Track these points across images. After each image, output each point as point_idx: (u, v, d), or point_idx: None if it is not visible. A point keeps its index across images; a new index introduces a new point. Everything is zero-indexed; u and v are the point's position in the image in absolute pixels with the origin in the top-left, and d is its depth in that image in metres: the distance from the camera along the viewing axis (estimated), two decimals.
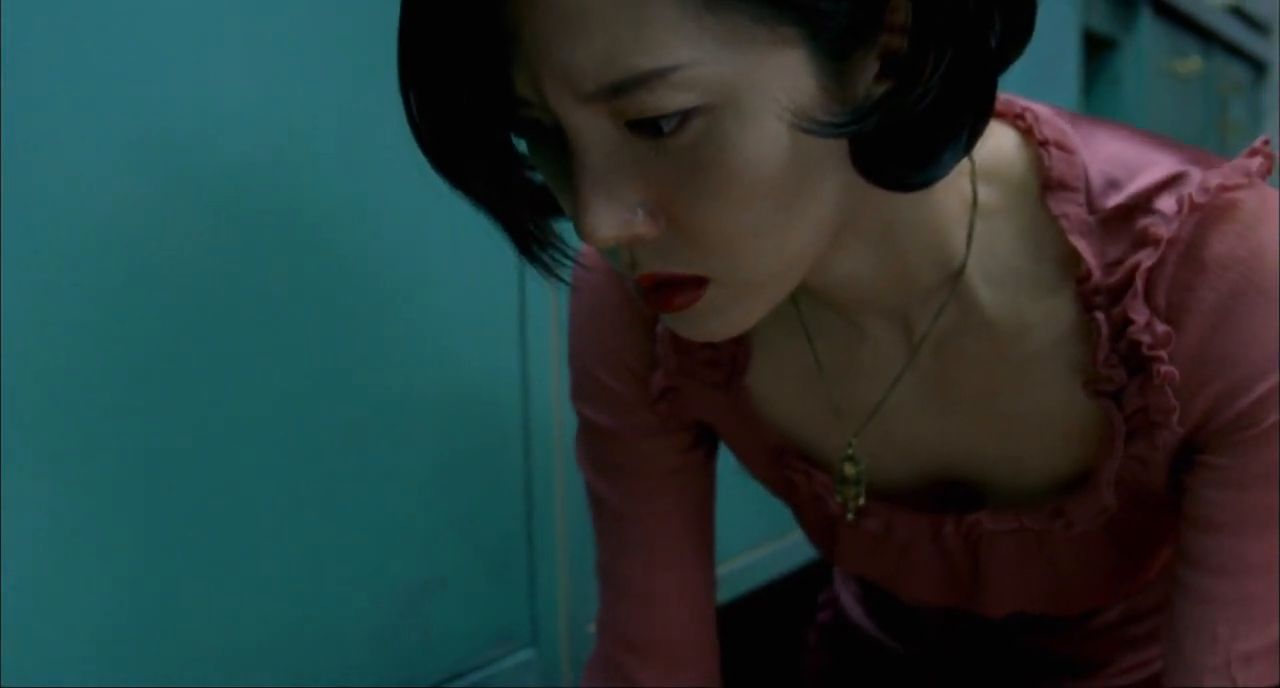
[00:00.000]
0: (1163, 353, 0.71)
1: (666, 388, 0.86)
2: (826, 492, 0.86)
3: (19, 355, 0.76)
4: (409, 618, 1.06)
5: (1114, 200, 0.71)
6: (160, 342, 0.85)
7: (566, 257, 0.68)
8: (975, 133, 0.63)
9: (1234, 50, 3.53)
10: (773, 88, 0.59)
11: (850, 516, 0.85)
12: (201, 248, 0.87)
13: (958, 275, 0.73)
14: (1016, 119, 0.75)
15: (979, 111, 0.63)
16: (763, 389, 0.85)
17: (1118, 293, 0.71)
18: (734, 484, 1.53)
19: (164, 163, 0.84)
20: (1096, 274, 0.71)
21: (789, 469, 0.88)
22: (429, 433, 1.07)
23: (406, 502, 1.05)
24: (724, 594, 1.52)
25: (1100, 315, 0.72)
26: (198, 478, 0.89)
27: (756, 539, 1.61)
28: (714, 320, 0.66)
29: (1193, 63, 3.02)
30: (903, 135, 0.62)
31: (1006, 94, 0.74)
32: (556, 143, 0.64)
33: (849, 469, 0.84)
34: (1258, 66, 3.94)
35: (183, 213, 0.86)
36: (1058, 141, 0.73)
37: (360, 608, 1.02)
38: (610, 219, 0.61)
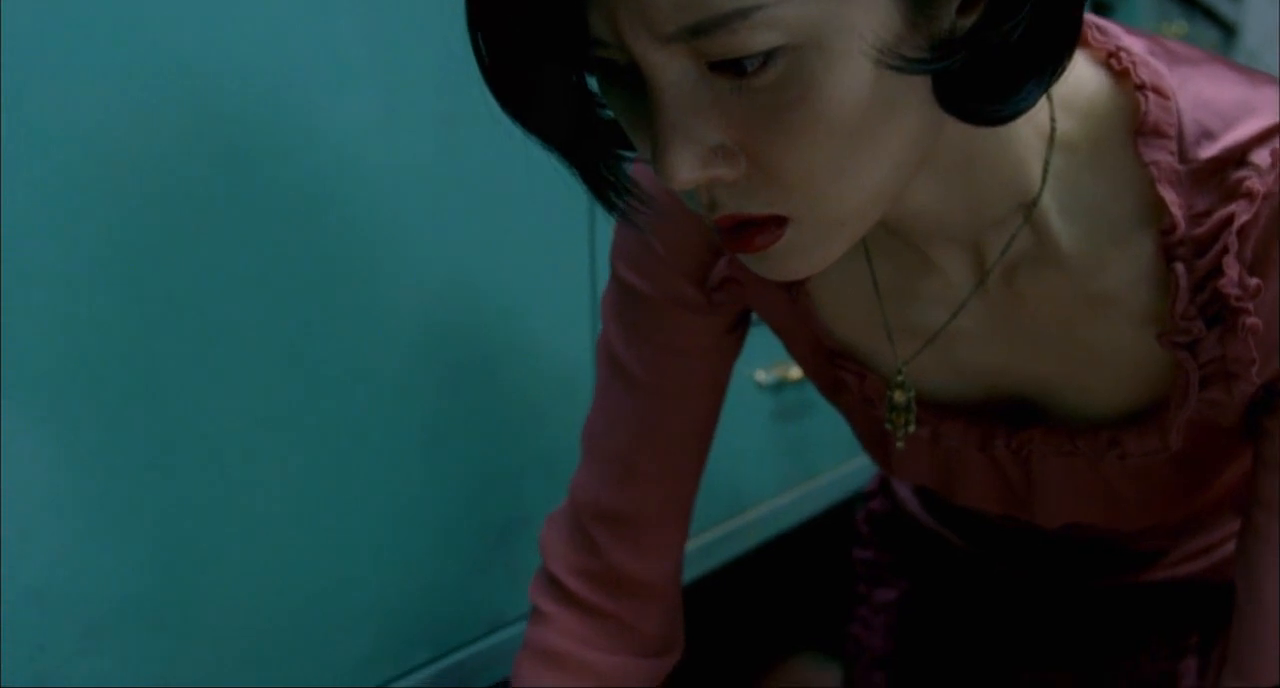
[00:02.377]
0: (1250, 305, 0.69)
1: (728, 279, 0.84)
2: (878, 396, 0.86)
3: (23, 321, 0.75)
4: (497, 555, 1.08)
5: (1207, 152, 0.69)
6: (226, 293, 0.85)
7: (641, 200, 0.67)
8: (1060, 65, 0.62)
9: (1209, 14, 3.57)
10: (857, 25, 0.57)
11: (900, 443, 0.85)
12: (246, 190, 0.86)
13: (1032, 206, 0.72)
14: (1110, 58, 0.72)
15: (1064, 44, 0.61)
16: (823, 296, 0.84)
17: (1203, 245, 0.70)
18: (761, 430, 1.53)
19: (190, 125, 0.83)
20: (1182, 226, 0.70)
21: (842, 371, 0.87)
22: (513, 378, 1.10)
23: (494, 444, 1.08)
24: (753, 539, 1.52)
25: (1181, 267, 0.70)
26: (295, 421, 0.90)
27: (784, 485, 1.61)
28: (793, 260, 0.65)
29: (1179, 27, 3.08)
30: (987, 69, 0.61)
31: (1092, 18, 0.73)
32: (632, 82, 0.62)
33: (899, 396, 0.83)
34: (1228, 30, 3.95)
35: (232, 164, 0.85)
36: (1154, 85, 0.70)
37: (451, 546, 1.05)
38: (690, 161, 0.60)
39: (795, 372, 1.54)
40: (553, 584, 0.94)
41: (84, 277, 0.76)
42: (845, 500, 1.85)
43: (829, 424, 1.70)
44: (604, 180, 0.66)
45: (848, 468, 1.78)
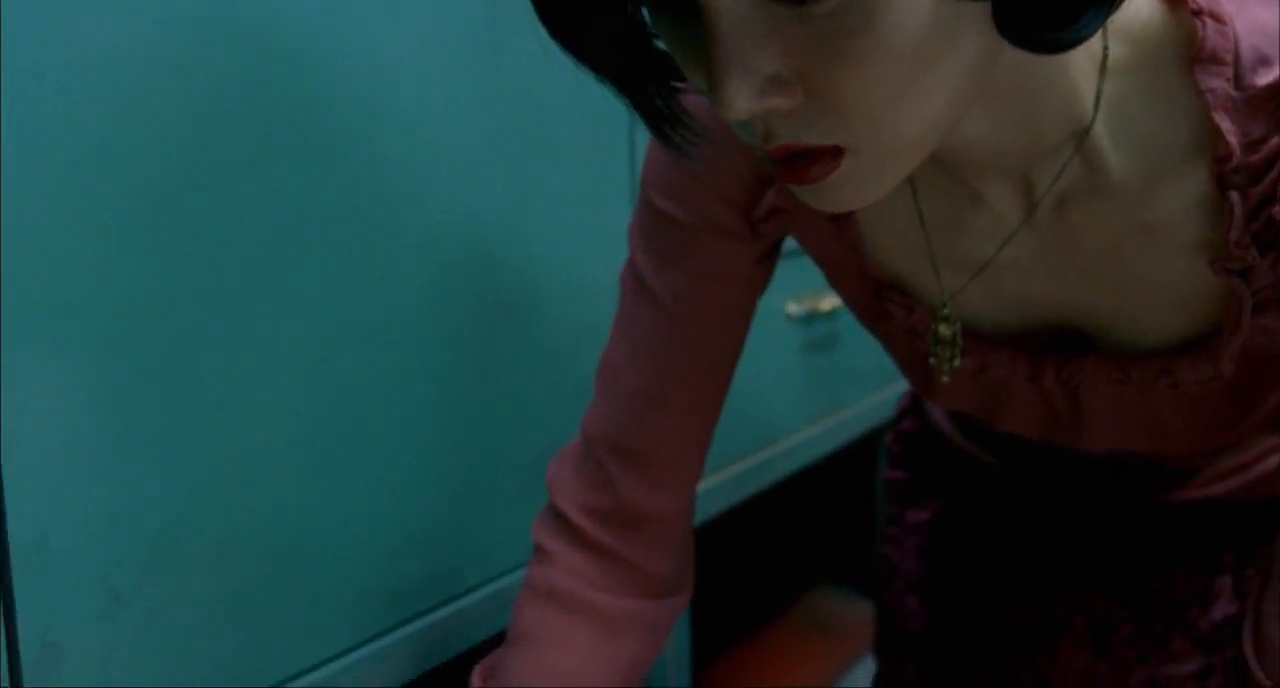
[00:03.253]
0: None
1: (776, 209, 0.83)
2: (923, 329, 0.85)
3: (59, 256, 0.74)
4: (532, 492, 1.07)
5: (1264, 78, 0.68)
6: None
7: (695, 132, 0.66)
8: None
9: None
10: None
11: (945, 378, 0.84)
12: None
13: (1084, 134, 0.71)
14: None
15: None
16: (870, 228, 0.83)
17: (1258, 172, 0.69)
18: (791, 362, 1.53)
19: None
20: (1237, 154, 0.69)
21: (888, 303, 0.86)
22: (562, 308, 1.11)
23: (545, 371, 1.09)
24: (780, 471, 1.52)
25: (1236, 195, 0.70)
26: (365, 346, 0.91)
27: (811, 417, 1.62)
28: (848, 190, 0.64)
29: None
30: None
31: None
32: (685, 11, 0.61)
33: (944, 329, 0.82)
34: None
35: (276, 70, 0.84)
36: (1211, 11, 0.69)
37: (500, 472, 1.06)
38: (746, 91, 0.59)
39: (826, 303, 1.54)
40: (560, 522, 0.91)
41: (118, 207, 0.76)
42: (871, 433, 1.85)
43: (856, 357, 1.70)
44: (658, 112, 0.65)
45: (874, 401, 1.78)
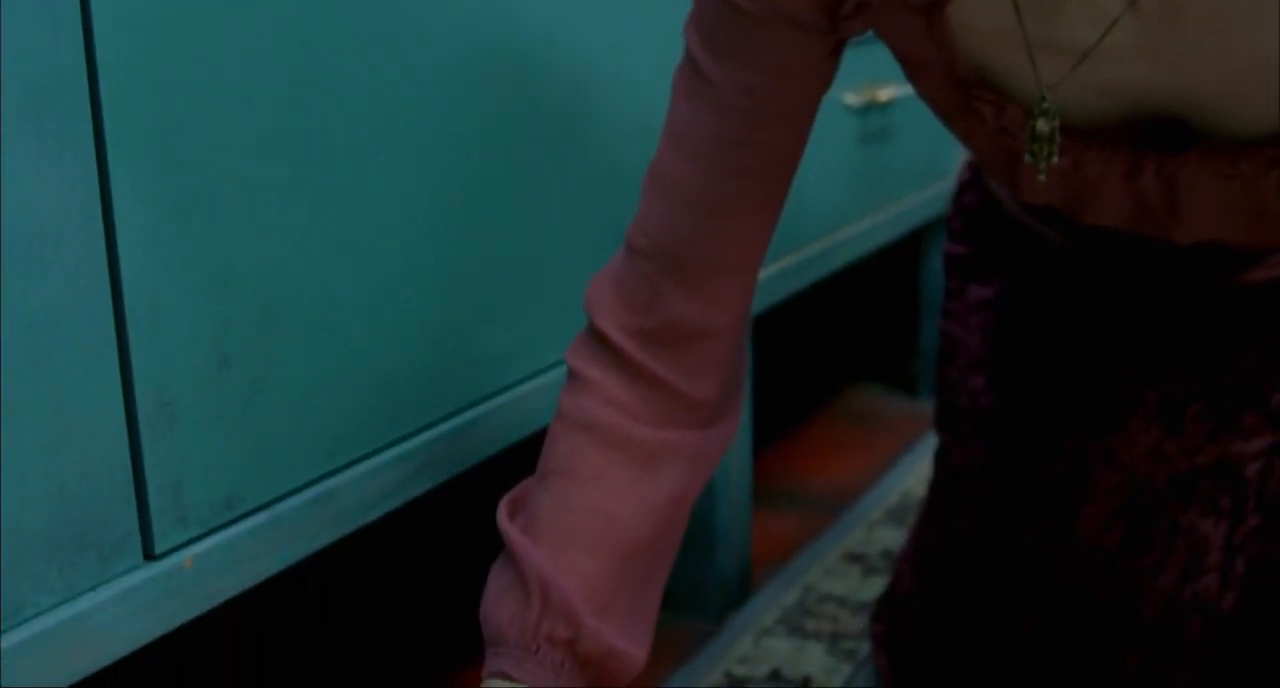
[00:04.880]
0: None
1: (862, 3, 0.79)
2: (1016, 127, 0.83)
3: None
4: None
5: None
6: None
7: None
8: None
9: None
10: None
11: (1042, 177, 0.81)
12: None
13: None
14: None
15: None
16: (962, 19, 0.80)
17: None
18: (846, 154, 1.52)
19: None
20: None
21: (977, 101, 0.83)
22: (609, 108, 1.08)
23: (591, 177, 1.07)
24: (831, 264, 1.52)
25: None
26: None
27: (864, 210, 1.61)
28: None
29: None
30: None
31: None
32: None
33: (1042, 125, 0.78)
34: None
35: None
36: None
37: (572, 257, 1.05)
38: None
39: (883, 94, 1.52)
40: (599, 345, 0.84)
41: None
42: (916, 230, 1.85)
43: (909, 150, 1.69)
44: None
45: (923, 196, 1.77)
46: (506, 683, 0.77)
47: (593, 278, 0.86)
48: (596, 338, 0.84)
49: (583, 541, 0.80)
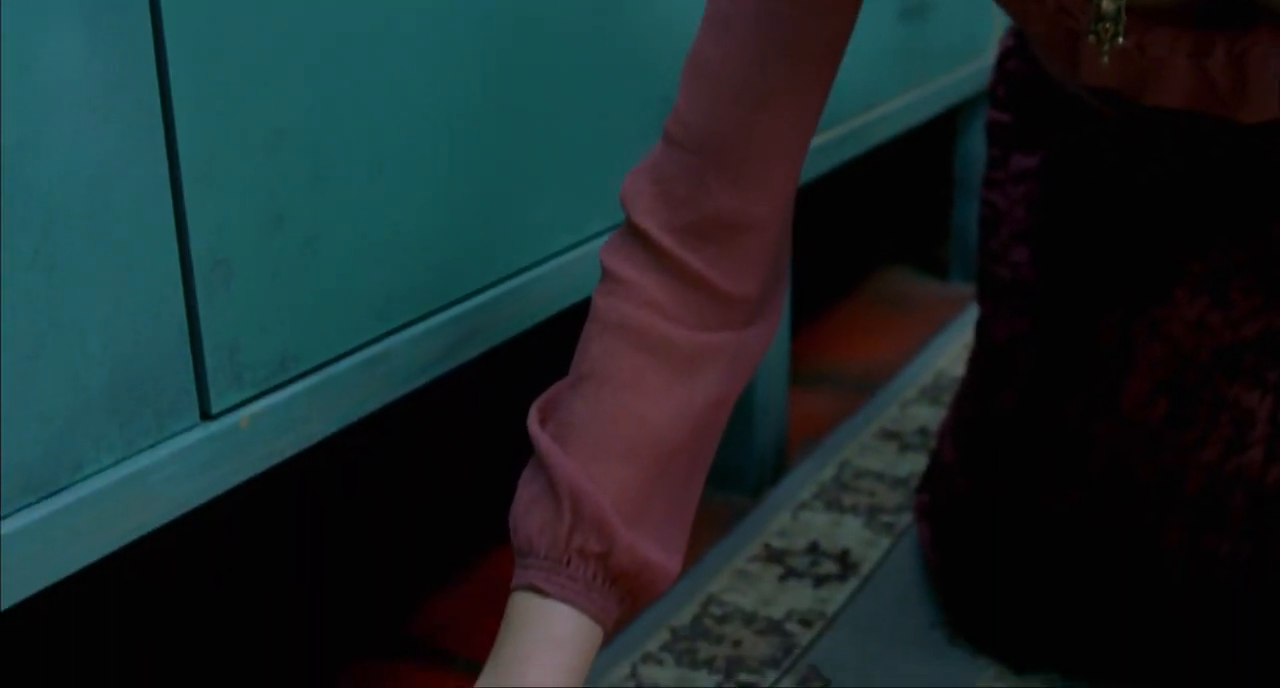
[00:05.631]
0: None
1: None
2: (1076, 6, 0.81)
3: None
4: None
5: None
6: None
7: None
8: None
9: None
10: None
11: (1105, 58, 0.78)
12: None
13: None
14: None
15: None
16: None
17: None
18: (886, 29, 1.50)
19: None
20: None
21: None
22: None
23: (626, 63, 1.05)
24: (869, 140, 1.51)
25: None
26: None
27: (902, 86, 1.59)
28: None
29: None
30: None
31: None
32: None
33: (1107, 4, 0.76)
34: None
35: None
36: None
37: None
38: None
39: None
40: (636, 241, 0.81)
41: None
42: (950, 110, 1.83)
43: (949, 26, 1.66)
44: None
45: (958, 75, 1.75)
46: (535, 596, 0.75)
47: (629, 174, 0.83)
48: (634, 235, 0.81)
49: (617, 448, 0.78)
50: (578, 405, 0.79)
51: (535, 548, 0.76)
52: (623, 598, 0.78)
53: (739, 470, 1.35)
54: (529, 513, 0.77)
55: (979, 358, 1.17)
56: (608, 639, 0.79)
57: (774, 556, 1.24)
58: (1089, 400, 1.06)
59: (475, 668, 0.76)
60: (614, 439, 0.78)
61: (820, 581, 1.20)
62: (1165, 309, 1.05)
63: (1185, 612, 1.03)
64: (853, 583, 1.20)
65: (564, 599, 0.75)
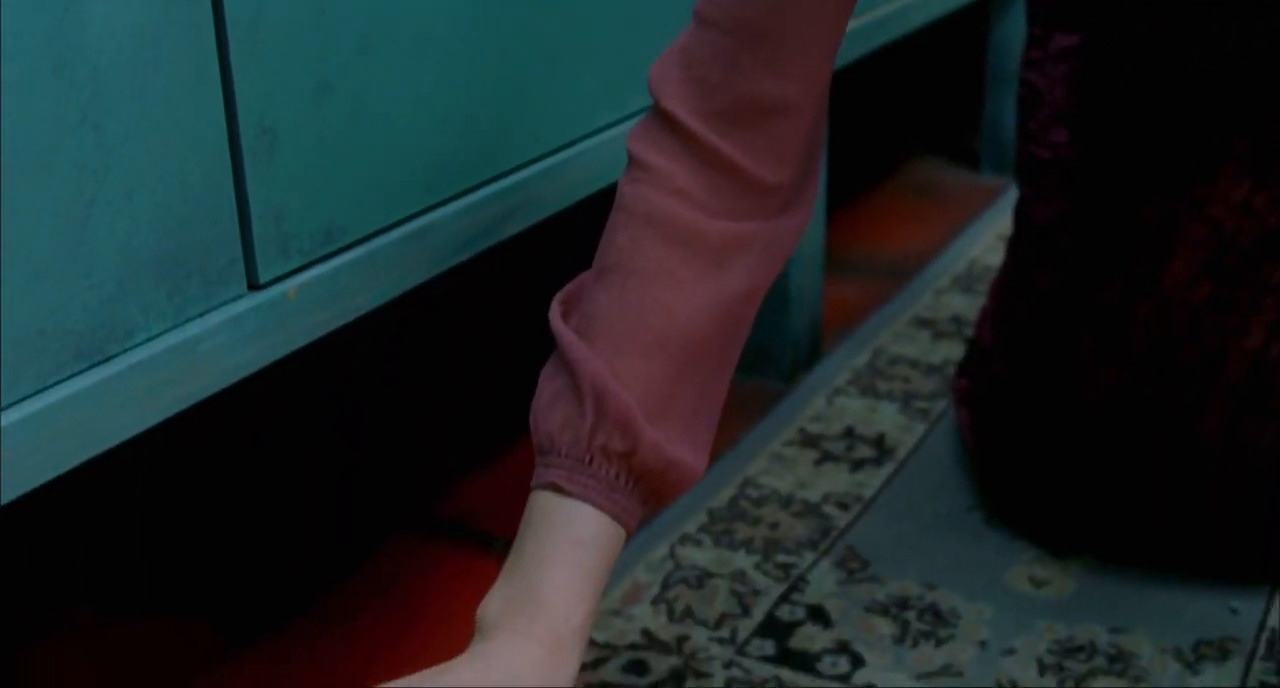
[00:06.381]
0: None
1: None
2: None
3: None
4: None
5: None
6: None
7: None
8: None
9: None
10: None
11: None
12: None
13: None
14: None
15: None
16: None
17: None
18: None
19: None
20: None
21: None
22: None
23: None
24: (908, 24, 1.49)
25: None
26: None
27: None
28: None
29: None
30: None
31: None
32: None
33: None
34: None
35: None
36: None
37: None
38: None
39: None
40: (665, 127, 0.78)
41: None
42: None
43: None
44: None
45: None
46: (556, 496, 0.73)
47: (657, 59, 0.79)
48: (663, 121, 0.78)
49: (642, 343, 0.75)
50: (602, 298, 0.76)
51: (557, 446, 0.74)
52: (646, 498, 0.75)
53: (774, 356, 1.35)
54: (551, 409, 0.74)
55: (1018, 240, 1.16)
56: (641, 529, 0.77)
57: (810, 440, 1.24)
58: (1129, 281, 1.05)
59: None
60: (640, 333, 0.75)
61: (857, 464, 1.20)
62: (1208, 190, 1.03)
63: (1222, 498, 1.03)
64: (889, 467, 1.20)
65: (585, 499, 0.73)
